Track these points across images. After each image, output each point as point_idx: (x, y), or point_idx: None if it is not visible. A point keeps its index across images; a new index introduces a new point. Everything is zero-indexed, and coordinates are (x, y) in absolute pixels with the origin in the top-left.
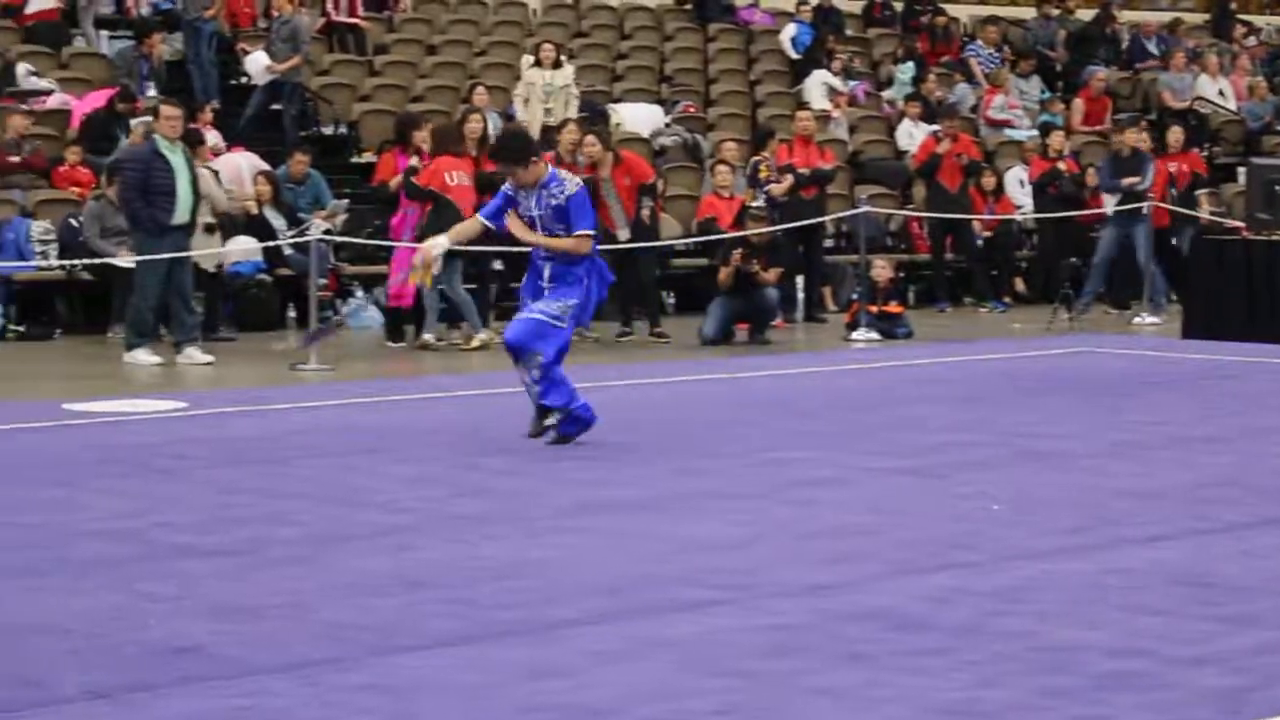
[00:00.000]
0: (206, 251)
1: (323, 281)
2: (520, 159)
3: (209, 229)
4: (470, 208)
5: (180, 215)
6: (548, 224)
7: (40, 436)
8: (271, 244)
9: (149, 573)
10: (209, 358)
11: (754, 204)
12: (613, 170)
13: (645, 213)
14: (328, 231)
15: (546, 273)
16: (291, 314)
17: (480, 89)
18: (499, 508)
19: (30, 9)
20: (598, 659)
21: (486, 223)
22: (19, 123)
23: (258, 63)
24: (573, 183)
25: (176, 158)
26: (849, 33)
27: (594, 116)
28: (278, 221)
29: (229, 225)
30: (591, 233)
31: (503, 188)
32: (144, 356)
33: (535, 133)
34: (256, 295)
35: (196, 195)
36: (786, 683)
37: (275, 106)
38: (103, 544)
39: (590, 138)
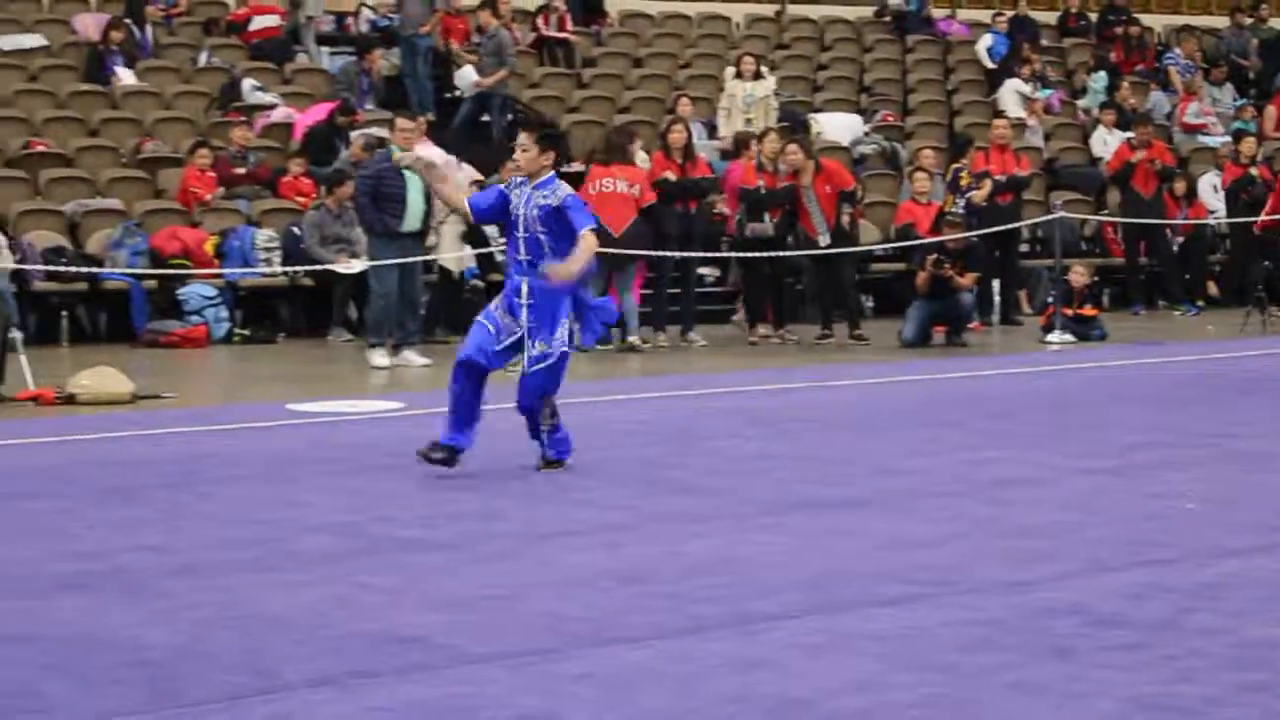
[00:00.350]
0: (437, 257)
1: None
2: (554, 140)
3: (464, 236)
4: (621, 213)
5: (410, 222)
6: (529, 224)
7: (266, 435)
8: (484, 250)
9: (371, 566)
10: (426, 360)
11: (952, 210)
12: (814, 178)
13: (845, 219)
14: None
15: (524, 289)
16: None
17: (684, 100)
18: (706, 505)
19: (254, 26)
20: (802, 652)
21: (468, 209)
22: (242, 136)
23: (466, 76)
24: (565, 187)
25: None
26: (1044, 42)
27: (795, 126)
28: (490, 228)
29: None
30: (594, 228)
31: (500, 187)
32: (379, 358)
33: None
34: (469, 299)
35: (429, 204)
36: (987, 677)
37: (485, 118)
38: (327, 538)
39: (792, 146)
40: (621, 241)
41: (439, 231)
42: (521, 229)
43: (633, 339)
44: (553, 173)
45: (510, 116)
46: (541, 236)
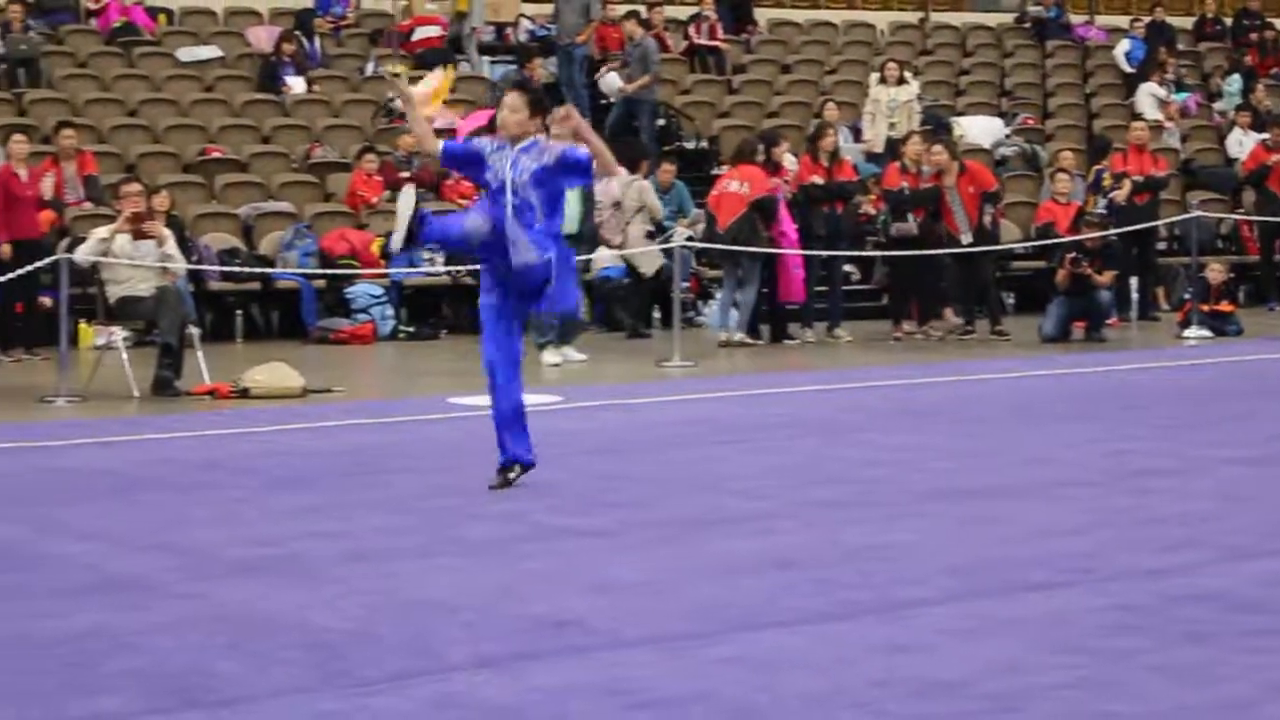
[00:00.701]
0: (625, 253)
1: (685, 284)
2: (544, 107)
3: (649, 235)
4: (731, 210)
5: (567, 226)
6: (520, 188)
7: (429, 428)
8: (638, 250)
9: (531, 552)
10: (582, 356)
11: (1092, 210)
12: (958, 178)
13: (987, 219)
14: (689, 238)
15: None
16: (656, 315)
17: (831, 105)
18: (856, 494)
19: (417, 37)
20: (950, 636)
21: (439, 149)
22: (407, 141)
23: (611, 83)
24: (553, 144)
25: None
26: (1180, 47)
27: (937, 129)
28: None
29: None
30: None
31: (476, 143)
32: (550, 356)
33: (880, 146)
34: (623, 297)
35: (588, 206)
36: (1128, 660)
37: (635, 124)
38: (489, 526)
39: (937, 147)
40: (725, 237)
41: (625, 231)
42: (510, 194)
43: (739, 335)
44: (536, 137)
45: (661, 121)
46: (533, 198)
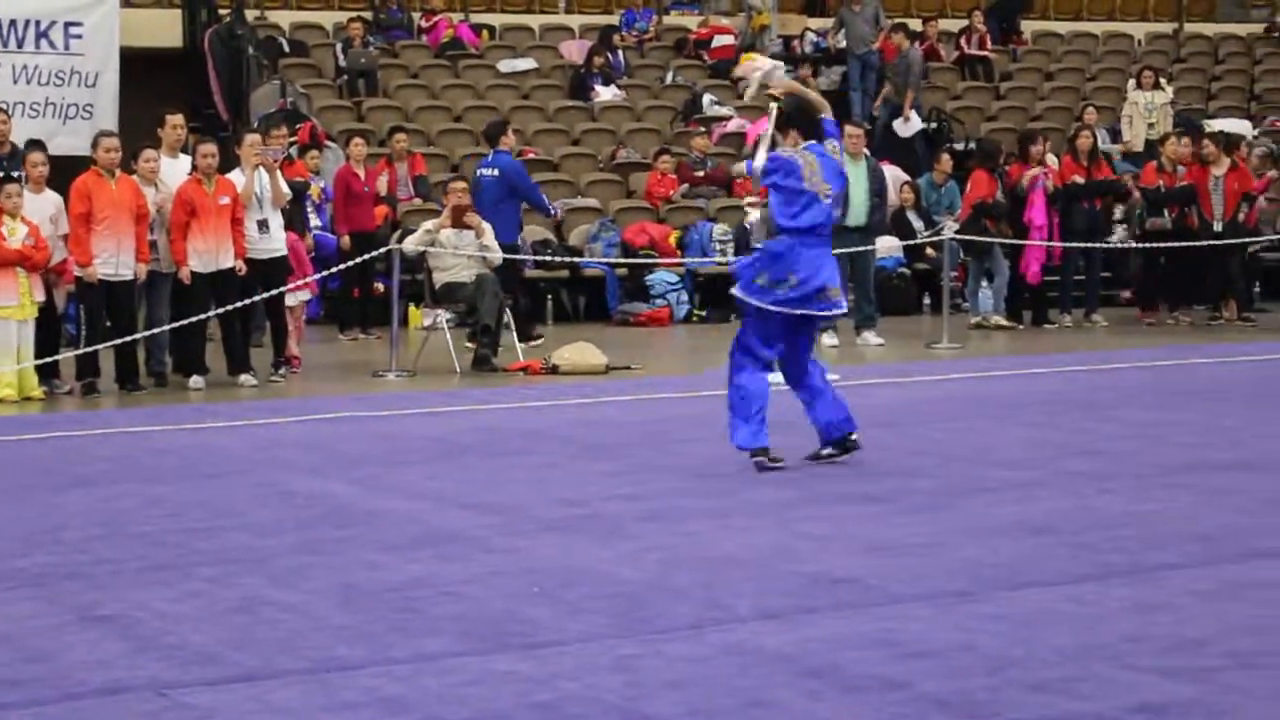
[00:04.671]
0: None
1: (953, 274)
2: (782, 120)
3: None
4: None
5: (853, 218)
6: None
7: (720, 403)
8: (911, 242)
9: (809, 515)
10: (880, 340)
11: None
12: (1227, 173)
13: (1242, 215)
14: (958, 232)
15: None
16: (926, 302)
17: (1090, 109)
18: (1109, 465)
19: (715, 45)
20: (1197, 598)
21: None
22: (701, 144)
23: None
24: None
25: (855, 169)
26: None
27: (1189, 131)
28: (917, 223)
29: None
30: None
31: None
32: (828, 339)
33: (1139, 146)
34: (897, 286)
35: (877, 199)
36: None
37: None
38: (771, 490)
39: (1206, 140)
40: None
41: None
42: (835, 204)
43: (995, 319)
44: (808, 143)
45: (934, 125)
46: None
